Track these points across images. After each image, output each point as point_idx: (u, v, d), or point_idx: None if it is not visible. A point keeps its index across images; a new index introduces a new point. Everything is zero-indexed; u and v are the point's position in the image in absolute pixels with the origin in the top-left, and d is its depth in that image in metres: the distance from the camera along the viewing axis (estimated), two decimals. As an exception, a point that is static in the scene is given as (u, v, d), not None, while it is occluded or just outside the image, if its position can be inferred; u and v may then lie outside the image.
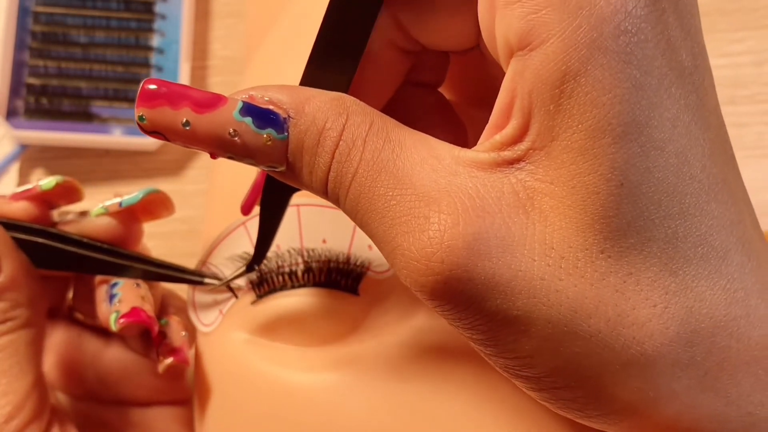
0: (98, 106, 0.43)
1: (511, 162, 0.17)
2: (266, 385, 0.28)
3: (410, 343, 0.26)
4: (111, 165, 0.43)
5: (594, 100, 0.16)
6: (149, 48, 0.44)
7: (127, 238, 0.29)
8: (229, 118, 0.19)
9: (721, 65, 0.44)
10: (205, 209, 0.35)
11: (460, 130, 0.23)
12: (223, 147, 0.19)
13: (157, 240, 0.43)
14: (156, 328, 0.28)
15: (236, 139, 0.19)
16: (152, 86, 0.19)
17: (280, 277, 0.28)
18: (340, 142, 0.18)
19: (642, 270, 0.16)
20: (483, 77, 0.23)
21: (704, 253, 0.17)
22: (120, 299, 0.27)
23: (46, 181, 0.28)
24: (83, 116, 0.43)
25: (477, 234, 0.16)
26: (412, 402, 0.26)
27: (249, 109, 0.19)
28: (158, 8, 0.44)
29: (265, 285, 0.28)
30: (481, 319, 0.17)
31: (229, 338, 0.29)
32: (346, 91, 0.20)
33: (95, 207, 0.29)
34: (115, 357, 0.31)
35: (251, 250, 0.29)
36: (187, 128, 0.19)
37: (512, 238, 0.16)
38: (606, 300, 0.16)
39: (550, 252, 0.16)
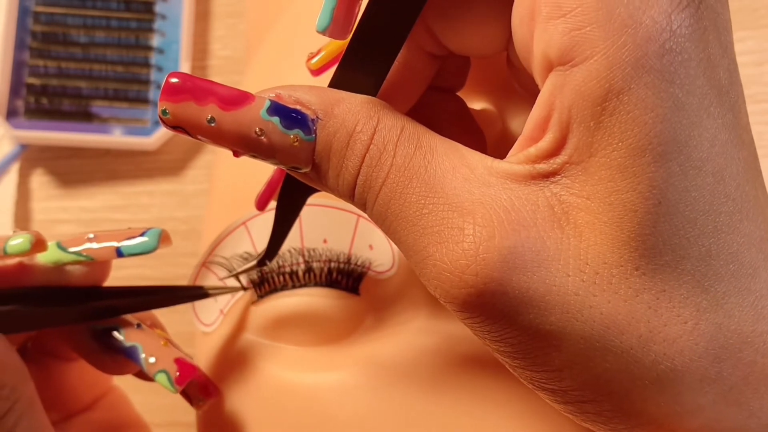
0: (98, 106, 0.43)
1: (547, 175, 0.17)
2: (267, 385, 0.28)
3: (411, 344, 0.26)
4: (111, 165, 0.43)
5: (636, 118, 0.16)
6: (149, 48, 0.44)
7: (105, 275, 0.26)
8: (256, 117, 0.18)
9: (721, 65, 0.44)
10: (205, 209, 0.35)
11: (480, 138, 0.23)
12: (248, 146, 0.19)
13: (157, 240, 0.43)
14: (202, 375, 0.26)
15: (262, 138, 0.18)
16: (176, 80, 0.18)
17: (281, 277, 0.28)
18: (371, 146, 0.18)
19: (675, 287, 0.16)
20: (502, 76, 0.23)
21: (735, 270, 0.17)
22: (149, 352, 0.25)
23: (17, 243, 0.24)
24: (83, 116, 0.43)
25: (512, 248, 0.16)
26: (412, 402, 0.26)
27: (277, 109, 0.18)
28: (158, 8, 0.44)
29: (265, 285, 0.28)
30: (513, 332, 0.17)
31: (229, 339, 0.29)
32: (374, 95, 0.19)
33: (59, 254, 0.25)
34: (55, 376, 0.28)
35: (252, 250, 0.29)
36: (212, 125, 0.18)
37: (547, 253, 0.16)
38: (639, 316, 0.16)
39: (585, 267, 0.16)
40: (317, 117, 0.18)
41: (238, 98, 0.18)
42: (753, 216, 0.17)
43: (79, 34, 0.43)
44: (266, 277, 0.28)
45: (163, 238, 0.25)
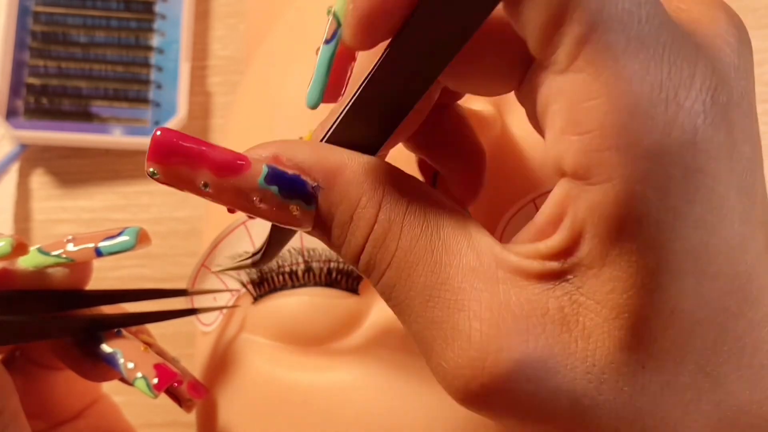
0: (98, 106, 0.43)
1: (558, 274, 0.16)
2: (266, 384, 0.28)
3: (411, 343, 0.26)
4: (111, 165, 0.43)
5: (655, 240, 0.15)
6: (149, 48, 0.44)
7: (86, 278, 0.26)
8: (254, 186, 0.17)
9: (721, 65, 0.44)
10: (205, 209, 0.35)
11: (479, 154, 0.23)
12: (247, 210, 0.18)
13: (156, 240, 0.43)
14: (182, 379, 0.26)
15: (261, 205, 0.18)
16: (163, 138, 0.17)
17: (281, 277, 0.28)
18: (376, 225, 0.17)
19: (678, 376, 0.17)
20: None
21: (736, 352, 0.17)
22: (128, 358, 0.25)
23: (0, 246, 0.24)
24: (83, 116, 0.43)
25: (520, 360, 0.16)
26: (411, 401, 0.26)
27: (275, 177, 0.17)
28: (158, 8, 0.44)
29: (265, 285, 0.28)
30: (521, 427, 0.17)
31: (229, 338, 0.29)
32: (382, 145, 0.18)
33: (40, 257, 0.25)
34: (43, 385, 0.28)
35: (251, 249, 0.29)
36: (207, 189, 0.17)
37: (555, 360, 0.16)
38: (645, 410, 0.16)
39: (592, 369, 0.16)
40: (318, 185, 0.18)
41: (233, 164, 0.17)
42: (761, 298, 0.17)
43: (79, 34, 0.43)
44: (266, 277, 0.28)
45: (141, 236, 0.25)
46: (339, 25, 0.17)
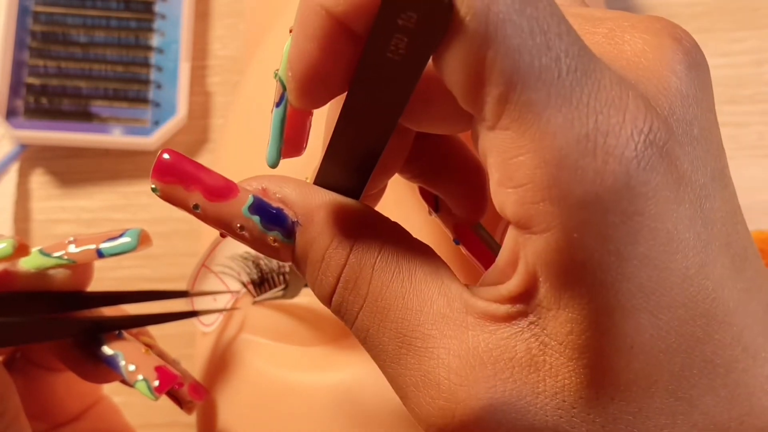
0: (98, 106, 0.43)
1: (523, 317, 0.17)
2: (266, 385, 0.28)
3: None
4: (111, 165, 0.43)
5: (604, 281, 0.16)
6: (149, 48, 0.44)
7: (87, 279, 0.27)
8: (238, 213, 0.18)
9: (721, 65, 0.44)
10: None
11: (478, 171, 0.22)
12: (231, 235, 0.19)
13: (157, 240, 0.43)
14: (183, 381, 0.26)
15: (244, 233, 0.18)
16: (167, 157, 0.18)
17: (281, 277, 0.28)
18: (346, 267, 0.18)
19: (650, 403, 0.17)
20: None
21: (708, 373, 0.17)
22: (129, 360, 0.25)
23: (0, 248, 0.24)
24: (83, 116, 0.43)
25: (488, 406, 0.17)
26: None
27: (258, 207, 0.18)
28: (158, 8, 0.44)
29: (265, 285, 0.28)
30: None
31: (229, 338, 0.29)
32: (362, 188, 0.19)
33: (41, 259, 0.25)
34: (43, 386, 0.28)
35: (251, 250, 0.29)
36: (197, 211, 0.18)
37: (524, 401, 0.17)
38: None
39: (562, 404, 0.17)
40: (297, 221, 0.18)
41: (222, 190, 0.18)
42: (729, 320, 0.17)
43: (79, 33, 0.43)
44: (266, 277, 0.28)
45: (143, 237, 0.25)
46: (285, 88, 0.18)
